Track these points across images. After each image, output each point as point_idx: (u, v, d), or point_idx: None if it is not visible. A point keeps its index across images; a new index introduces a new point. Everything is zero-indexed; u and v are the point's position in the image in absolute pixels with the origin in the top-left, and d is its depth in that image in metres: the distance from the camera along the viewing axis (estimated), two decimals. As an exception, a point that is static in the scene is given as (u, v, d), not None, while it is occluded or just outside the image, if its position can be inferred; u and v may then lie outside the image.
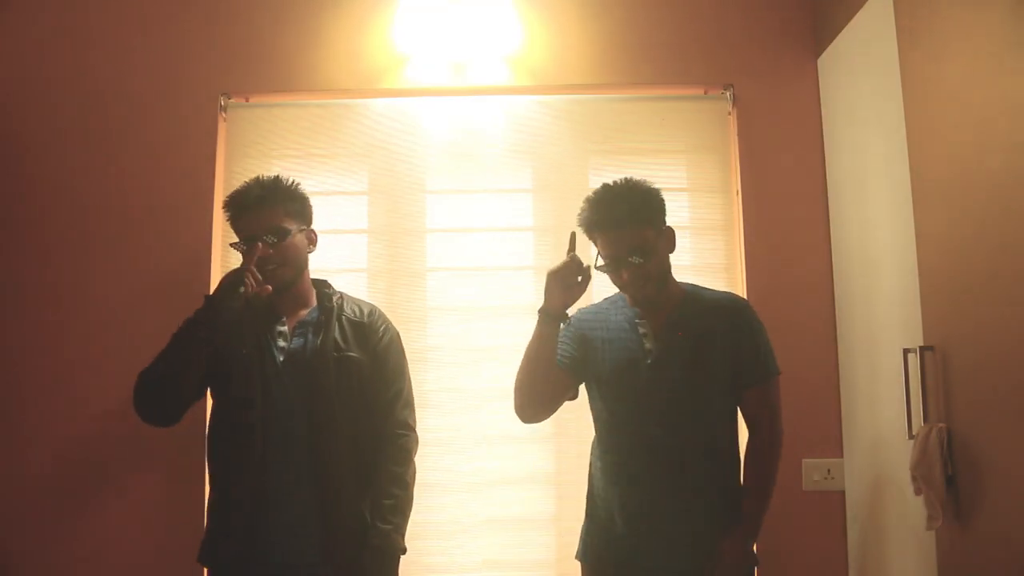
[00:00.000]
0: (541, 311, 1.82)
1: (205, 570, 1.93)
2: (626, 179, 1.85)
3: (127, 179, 2.42)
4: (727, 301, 1.92)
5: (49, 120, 2.44)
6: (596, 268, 1.83)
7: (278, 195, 1.92)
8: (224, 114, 2.48)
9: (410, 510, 1.89)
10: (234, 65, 2.49)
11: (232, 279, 1.81)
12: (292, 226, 1.91)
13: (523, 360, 1.84)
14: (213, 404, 1.94)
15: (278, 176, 1.96)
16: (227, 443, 1.86)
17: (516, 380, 1.85)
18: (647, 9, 2.53)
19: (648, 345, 1.85)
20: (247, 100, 2.50)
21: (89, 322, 2.36)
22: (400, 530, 1.84)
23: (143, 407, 1.84)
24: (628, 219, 1.78)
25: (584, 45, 2.53)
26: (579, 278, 1.80)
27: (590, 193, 1.87)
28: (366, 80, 2.50)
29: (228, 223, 1.97)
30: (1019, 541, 1.51)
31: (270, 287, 1.83)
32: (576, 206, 2.47)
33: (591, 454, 1.94)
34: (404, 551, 1.85)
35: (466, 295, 2.44)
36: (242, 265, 1.83)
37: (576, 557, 1.92)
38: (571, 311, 1.89)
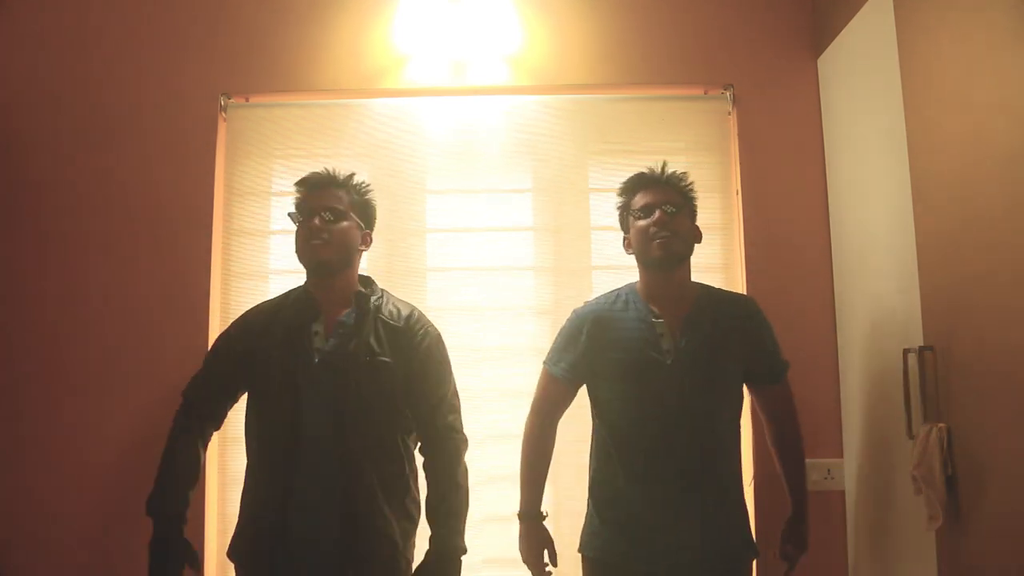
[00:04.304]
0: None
1: (233, 565, 1.91)
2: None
3: (127, 179, 2.42)
4: (739, 300, 2.01)
5: (49, 120, 2.44)
6: (632, 216, 1.93)
7: (346, 185, 1.96)
8: (224, 114, 2.48)
9: (467, 510, 1.88)
10: (234, 65, 2.49)
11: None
12: (350, 213, 1.93)
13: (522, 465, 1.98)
14: (248, 400, 1.93)
15: (354, 173, 2.00)
16: (258, 440, 1.86)
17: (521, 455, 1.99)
18: (647, 9, 2.53)
19: (666, 345, 1.87)
20: (247, 100, 2.50)
21: (89, 322, 2.35)
22: (459, 531, 1.84)
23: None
24: (667, 180, 1.95)
25: (584, 45, 2.53)
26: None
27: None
28: (366, 80, 2.50)
29: (295, 203, 1.96)
30: (1019, 541, 1.51)
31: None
32: (577, 206, 2.49)
33: (593, 449, 1.95)
34: (464, 551, 1.85)
35: (466, 295, 2.44)
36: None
37: (579, 550, 1.93)
38: (580, 303, 2.04)
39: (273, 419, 1.83)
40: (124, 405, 2.31)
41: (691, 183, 1.98)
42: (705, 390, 1.84)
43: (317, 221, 1.87)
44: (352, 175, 1.99)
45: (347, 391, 1.83)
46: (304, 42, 2.50)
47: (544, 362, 2.00)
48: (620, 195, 1.99)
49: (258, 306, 2.02)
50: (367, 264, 2.44)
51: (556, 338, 1.99)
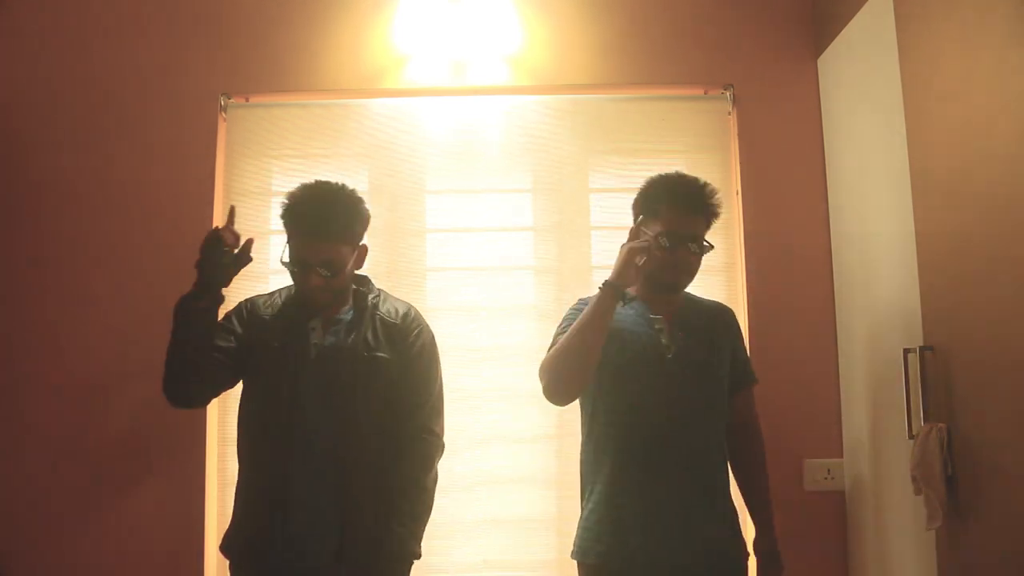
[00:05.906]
0: (608, 284, 1.76)
1: (228, 562, 1.90)
2: (677, 173, 1.93)
3: (127, 179, 2.42)
4: (719, 306, 2.04)
5: (49, 120, 2.44)
6: (658, 237, 1.83)
7: (339, 221, 1.82)
8: (224, 114, 2.48)
9: (428, 515, 1.87)
10: (234, 65, 2.49)
11: (212, 239, 1.82)
12: (347, 253, 1.84)
13: (574, 334, 1.77)
14: (242, 396, 1.92)
15: (342, 188, 1.86)
16: (253, 436, 1.86)
17: (556, 357, 1.79)
18: (647, 9, 2.53)
19: (665, 341, 1.88)
20: (247, 100, 2.50)
21: (88, 323, 2.35)
22: (415, 535, 1.83)
23: (165, 388, 1.83)
24: (704, 204, 1.88)
25: (584, 45, 2.53)
26: (643, 260, 1.79)
27: (652, 175, 1.93)
28: (366, 80, 2.50)
29: (287, 239, 1.85)
30: (1019, 541, 1.51)
31: (252, 239, 1.88)
32: (577, 206, 2.46)
33: (589, 451, 1.91)
34: (418, 556, 1.84)
35: (466, 295, 2.44)
36: (219, 228, 1.84)
37: (572, 556, 1.90)
38: (572, 303, 1.96)
39: (269, 413, 1.83)
40: (124, 406, 2.31)
41: (720, 205, 1.90)
42: (701, 385, 1.87)
43: (314, 279, 1.81)
44: (340, 194, 1.85)
45: (344, 386, 1.83)
46: (304, 42, 2.50)
47: (556, 335, 1.88)
48: (645, 192, 1.90)
49: (261, 297, 1.99)
50: (367, 264, 2.43)
51: (562, 322, 1.92)
